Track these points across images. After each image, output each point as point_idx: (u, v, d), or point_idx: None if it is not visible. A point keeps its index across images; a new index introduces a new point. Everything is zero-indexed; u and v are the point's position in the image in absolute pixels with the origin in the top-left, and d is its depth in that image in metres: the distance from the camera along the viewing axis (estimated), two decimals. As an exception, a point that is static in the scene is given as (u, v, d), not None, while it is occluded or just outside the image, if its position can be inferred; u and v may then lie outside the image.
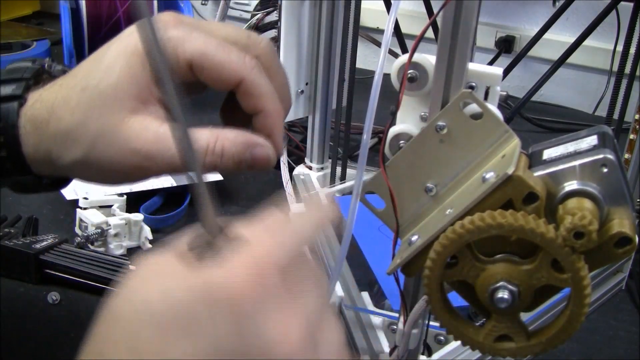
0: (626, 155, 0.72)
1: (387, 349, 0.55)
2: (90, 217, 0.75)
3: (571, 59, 1.10)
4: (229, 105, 0.43)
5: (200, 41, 0.38)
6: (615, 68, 0.78)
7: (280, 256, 0.28)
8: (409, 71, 0.42)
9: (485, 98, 0.41)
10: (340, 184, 0.86)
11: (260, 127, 0.40)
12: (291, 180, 0.87)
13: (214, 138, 0.38)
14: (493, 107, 0.39)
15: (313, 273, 0.30)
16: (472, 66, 0.40)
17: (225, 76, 0.38)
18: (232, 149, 0.39)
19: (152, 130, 0.38)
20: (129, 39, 0.39)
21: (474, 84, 0.40)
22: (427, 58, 0.44)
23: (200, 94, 0.42)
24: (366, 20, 1.41)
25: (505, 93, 0.41)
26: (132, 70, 0.38)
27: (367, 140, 0.42)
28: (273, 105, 0.40)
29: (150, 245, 0.77)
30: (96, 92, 0.38)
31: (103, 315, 0.29)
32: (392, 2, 0.40)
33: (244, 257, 0.27)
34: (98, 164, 0.39)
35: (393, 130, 0.44)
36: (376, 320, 0.59)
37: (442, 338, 0.58)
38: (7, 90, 0.41)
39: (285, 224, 0.30)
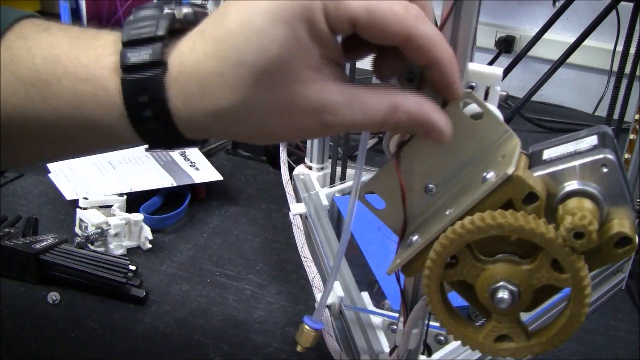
0: (626, 155, 0.72)
1: (387, 349, 0.55)
2: (90, 217, 0.75)
3: (571, 59, 1.10)
4: (384, 56, 0.39)
5: None
6: (615, 68, 0.78)
7: None
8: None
9: (485, 98, 0.40)
10: (340, 184, 0.86)
11: (438, 80, 0.36)
12: (291, 180, 0.87)
13: (393, 110, 0.36)
14: (493, 107, 0.39)
15: None
16: (472, 66, 0.40)
17: (391, 33, 0.34)
18: (407, 124, 0.36)
19: (331, 98, 0.35)
20: None
21: (474, 84, 0.40)
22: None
23: (366, 56, 0.40)
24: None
25: (505, 93, 0.41)
26: (297, 36, 0.34)
27: (365, 139, 0.42)
28: (446, 54, 0.36)
29: (150, 245, 0.77)
30: (258, 68, 0.34)
31: None
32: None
33: None
34: (270, 134, 0.37)
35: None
36: (376, 320, 0.59)
37: (442, 338, 0.58)
38: (144, 56, 0.35)
39: None
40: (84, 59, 0.37)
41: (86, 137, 0.39)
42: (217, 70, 0.35)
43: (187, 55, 0.35)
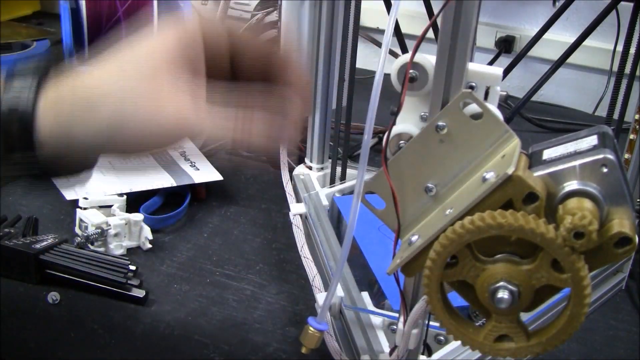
0: (626, 155, 0.72)
1: (387, 349, 0.55)
2: (90, 217, 0.75)
3: (571, 59, 1.10)
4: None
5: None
6: (615, 68, 0.78)
7: None
8: (409, 71, 0.42)
9: (485, 98, 0.41)
10: (340, 184, 0.86)
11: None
12: (291, 180, 0.87)
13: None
14: (493, 107, 0.39)
15: None
16: (472, 66, 0.40)
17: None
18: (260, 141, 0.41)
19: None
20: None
21: (474, 84, 0.40)
22: (427, 58, 0.44)
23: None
24: (366, 20, 1.41)
25: (505, 93, 0.41)
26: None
27: (368, 140, 0.42)
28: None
29: (150, 245, 0.77)
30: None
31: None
32: (392, 2, 0.40)
33: None
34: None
35: (393, 130, 0.44)
36: (376, 320, 0.59)
37: (442, 338, 0.58)
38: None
39: None
40: None
41: None
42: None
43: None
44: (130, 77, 0.39)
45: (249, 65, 0.43)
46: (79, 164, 0.43)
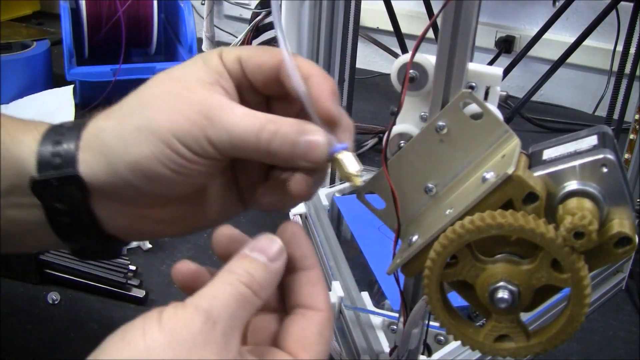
0: (626, 155, 0.72)
1: (387, 349, 0.55)
2: (90, 217, 0.75)
3: (571, 59, 1.10)
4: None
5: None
6: (615, 68, 0.78)
7: None
8: (409, 71, 0.42)
9: (485, 98, 0.41)
10: (340, 184, 0.86)
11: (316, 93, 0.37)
12: (291, 180, 0.87)
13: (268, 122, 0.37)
14: (493, 107, 0.39)
15: None
16: (472, 66, 0.40)
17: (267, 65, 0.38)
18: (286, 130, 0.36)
19: None
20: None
21: (474, 84, 0.40)
22: (427, 58, 0.44)
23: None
24: (366, 20, 1.41)
25: (505, 93, 0.41)
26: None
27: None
28: (317, 69, 0.38)
29: (150, 245, 0.77)
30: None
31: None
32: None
33: None
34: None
35: (393, 130, 0.44)
36: (376, 320, 0.59)
37: (442, 338, 0.58)
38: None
39: None
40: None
41: None
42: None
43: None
44: None
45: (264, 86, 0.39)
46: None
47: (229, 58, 0.38)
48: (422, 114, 0.46)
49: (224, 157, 0.37)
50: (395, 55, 1.30)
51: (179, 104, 0.36)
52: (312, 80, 0.37)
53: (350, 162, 0.36)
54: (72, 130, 0.38)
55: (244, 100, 0.39)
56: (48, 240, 0.39)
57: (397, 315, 0.50)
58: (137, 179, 0.37)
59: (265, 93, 0.40)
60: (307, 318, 0.36)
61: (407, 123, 0.46)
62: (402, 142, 0.46)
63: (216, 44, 1.20)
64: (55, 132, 0.39)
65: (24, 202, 0.38)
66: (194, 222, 0.42)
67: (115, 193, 0.38)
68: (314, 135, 0.36)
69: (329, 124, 0.37)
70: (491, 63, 1.33)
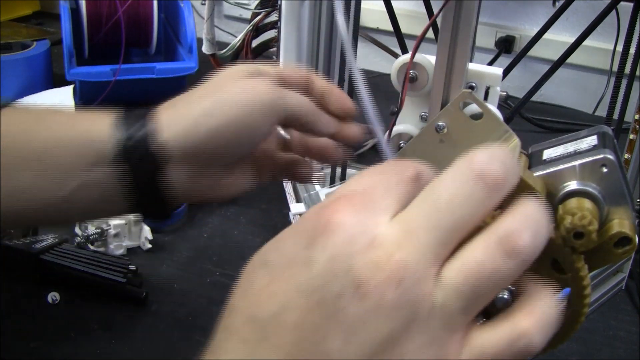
0: (626, 155, 0.72)
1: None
2: (90, 217, 0.75)
3: (571, 59, 1.10)
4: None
5: (295, 99, 0.45)
6: (615, 68, 0.78)
7: None
8: (410, 71, 0.42)
9: (485, 98, 0.41)
10: (340, 184, 0.86)
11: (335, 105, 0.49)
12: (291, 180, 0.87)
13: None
14: (493, 107, 0.39)
15: None
16: (472, 66, 0.40)
17: (318, 129, 0.47)
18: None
19: None
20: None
21: (474, 84, 0.40)
22: (427, 58, 0.44)
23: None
24: (366, 20, 1.41)
25: (505, 93, 0.41)
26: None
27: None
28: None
29: (150, 245, 0.77)
30: None
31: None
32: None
33: None
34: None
35: (394, 130, 0.44)
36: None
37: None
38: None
39: None
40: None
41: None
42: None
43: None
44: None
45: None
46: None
47: (283, 110, 0.46)
48: (422, 114, 0.46)
49: (280, 122, 0.46)
50: (395, 56, 1.30)
51: (244, 84, 0.45)
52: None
53: None
54: (143, 113, 0.46)
55: None
56: (118, 208, 0.47)
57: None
58: (214, 144, 0.43)
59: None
60: None
61: (407, 123, 0.46)
62: (402, 142, 0.46)
63: (216, 45, 1.20)
64: (126, 116, 0.46)
65: (103, 177, 0.45)
66: (233, 187, 0.48)
67: (189, 160, 0.44)
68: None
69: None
70: (491, 63, 1.33)
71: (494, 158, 0.29)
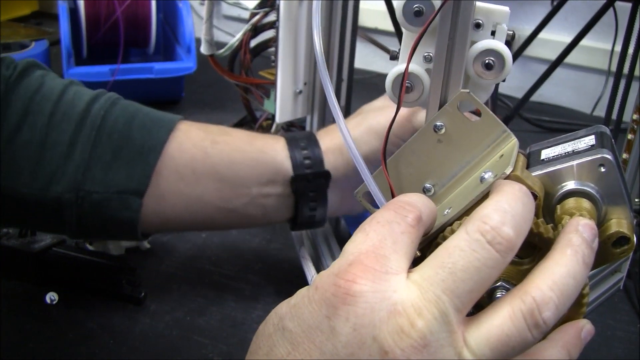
0: (624, 155, 0.72)
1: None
2: (89, 217, 0.75)
3: (569, 59, 1.10)
4: None
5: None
6: (614, 68, 0.78)
7: None
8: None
9: (493, 36, 0.40)
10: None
11: None
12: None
13: None
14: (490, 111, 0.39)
15: None
16: (479, 4, 0.39)
17: None
18: None
19: None
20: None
21: (480, 20, 0.39)
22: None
23: None
24: (365, 20, 1.41)
25: (512, 32, 0.40)
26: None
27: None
28: None
29: (149, 246, 0.77)
30: None
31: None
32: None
33: None
34: None
35: (394, 71, 0.42)
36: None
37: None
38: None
39: None
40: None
41: None
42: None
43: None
44: None
45: None
46: None
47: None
48: (426, 54, 0.45)
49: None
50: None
51: (384, 113, 0.55)
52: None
53: None
54: (308, 139, 0.56)
55: None
56: (270, 220, 0.57)
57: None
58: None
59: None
60: None
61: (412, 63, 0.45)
62: (407, 81, 0.44)
63: (215, 45, 1.20)
64: (295, 141, 0.56)
65: (275, 192, 0.54)
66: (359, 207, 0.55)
67: (345, 180, 0.55)
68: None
69: None
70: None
71: (506, 217, 0.30)
